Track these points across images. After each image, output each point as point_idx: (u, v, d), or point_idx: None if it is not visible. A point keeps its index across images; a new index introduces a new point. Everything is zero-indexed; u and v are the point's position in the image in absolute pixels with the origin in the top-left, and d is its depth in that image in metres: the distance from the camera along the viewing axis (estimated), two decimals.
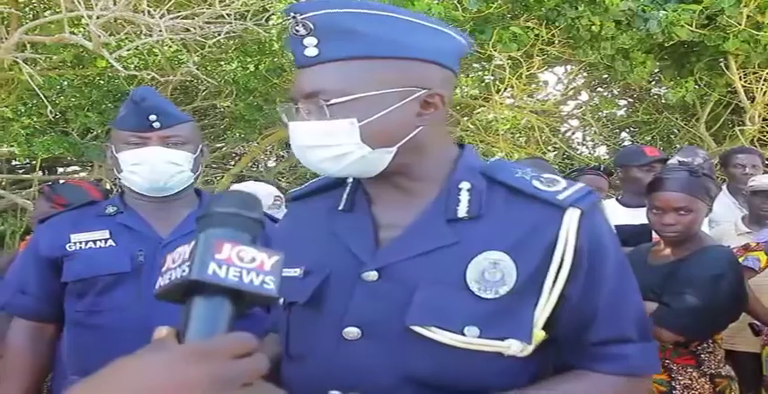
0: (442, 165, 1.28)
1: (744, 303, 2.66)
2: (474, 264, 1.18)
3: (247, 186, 4.27)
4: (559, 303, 1.18)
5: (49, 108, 5.27)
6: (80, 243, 2.08)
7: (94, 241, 2.08)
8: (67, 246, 2.07)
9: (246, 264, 0.83)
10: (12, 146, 6.98)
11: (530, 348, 1.16)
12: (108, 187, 7.58)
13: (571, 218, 1.19)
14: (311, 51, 1.17)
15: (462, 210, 1.22)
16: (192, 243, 0.84)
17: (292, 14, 1.18)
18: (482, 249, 1.19)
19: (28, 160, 9.09)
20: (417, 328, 1.15)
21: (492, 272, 1.17)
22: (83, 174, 9.28)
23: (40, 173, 8.88)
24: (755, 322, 3.11)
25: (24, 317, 2.16)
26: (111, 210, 2.16)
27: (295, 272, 1.30)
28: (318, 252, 1.30)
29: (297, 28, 1.17)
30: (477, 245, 1.19)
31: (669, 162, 2.82)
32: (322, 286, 1.25)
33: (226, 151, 9.51)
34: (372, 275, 1.21)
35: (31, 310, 2.15)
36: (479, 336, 1.14)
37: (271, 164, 10.26)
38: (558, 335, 1.22)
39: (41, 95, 4.92)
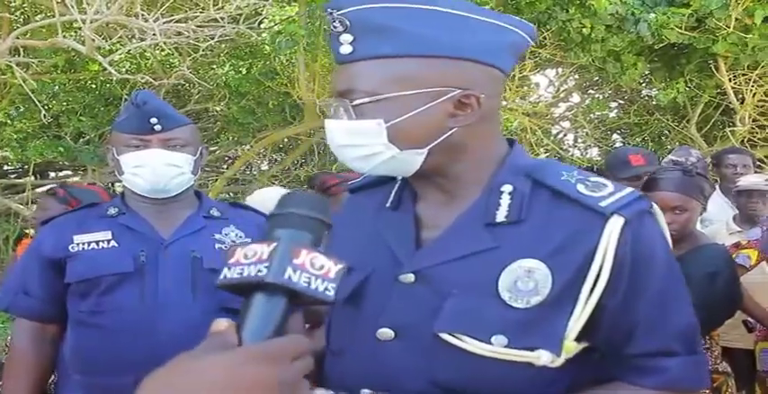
0: (484, 166, 1.24)
1: (739, 300, 2.69)
2: (507, 273, 1.14)
3: (271, 192, 4.27)
4: (597, 313, 1.13)
5: (42, 112, 5.27)
6: (83, 244, 2.09)
7: (97, 242, 2.09)
8: (70, 247, 2.09)
9: (316, 271, 0.87)
10: (5, 150, 6.98)
11: (560, 359, 1.12)
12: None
13: (613, 226, 1.13)
14: (346, 49, 1.16)
15: (501, 215, 1.18)
16: (273, 244, 0.87)
17: (329, 10, 1.16)
18: (518, 257, 1.15)
19: (20, 165, 9.07)
20: (444, 336, 1.13)
21: (525, 281, 1.13)
22: (75, 179, 9.26)
23: (33, 177, 8.86)
24: (749, 319, 3.15)
25: (27, 317, 2.17)
26: (112, 211, 2.17)
27: None
28: (362, 249, 1.28)
29: (334, 24, 1.16)
30: (514, 252, 1.16)
31: (663, 161, 2.85)
32: (362, 285, 1.24)
33: (219, 154, 9.50)
34: (409, 278, 1.19)
35: (35, 311, 2.16)
36: (507, 346, 1.11)
37: (264, 167, 10.26)
38: (597, 345, 1.18)
39: (34, 100, 4.92)
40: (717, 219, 3.89)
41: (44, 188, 8.65)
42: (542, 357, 1.11)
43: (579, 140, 9.98)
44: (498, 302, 1.13)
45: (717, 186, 4.20)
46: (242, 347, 0.82)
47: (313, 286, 0.86)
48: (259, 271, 0.85)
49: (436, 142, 1.18)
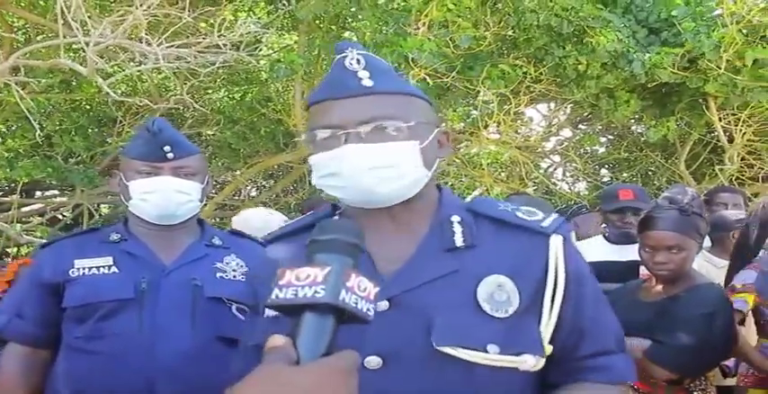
0: (432, 201, 1.39)
1: (735, 341, 2.69)
2: (483, 286, 1.26)
3: (250, 212, 4.26)
4: (558, 321, 1.29)
5: (37, 131, 5.26)
6: (84, 269, 2.09)
7: (98, 267, 2.10)
8: (71, 272, 2.09)
9: (361, 293, 0.96)
10: None
11: (542, 362, 1.25)
12: (87, 212, 7.53)
13: (557, 243, 1.32)
14: (368, 82, 1.30)
15: (459, 240, 1.32)
16: (327, 268, 0.95)
17: (350, 49, 1.32)
18: (486, 273, 1.28)
19: (6, 183, 9.01)
20: (446, 349, 1.20)
21: (499, 293, 1.26)
22: (62, 199, 9.22)
23: (19, 196, 8.79)
24: (726, 364, 3.06)
25: (20, 341, 2.16)
26: (114, 237, 2.18)
27: None
28: None
29: (351, 62, 1.31)
30: (480, 270, 1.28)
31: (659, 199, 2.87)
32: None
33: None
34: (383, 305, 1.25)
35: (27, 336, 2.14)
36: (500, 353, 1.21)
37: (253, 193, 10.24)
38: (555, 350, 1.29)
39: (30, 119, 4.91)
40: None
41: (30, 207, 8.65)
42: (528, 361, 1.23)
43: (567, 174, 10.06)
44: (483, 314, 1.25)
45: None
46: (323, 360, 0.92)
47: (359, 306, 0.95)
48: (316, 292, 0.93)
49: (434, 167, 1.36)
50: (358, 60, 1.30)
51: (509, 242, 1.33)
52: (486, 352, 1.21)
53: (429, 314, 1.24)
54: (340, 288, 0.93)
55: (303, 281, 0.94)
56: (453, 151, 1.46)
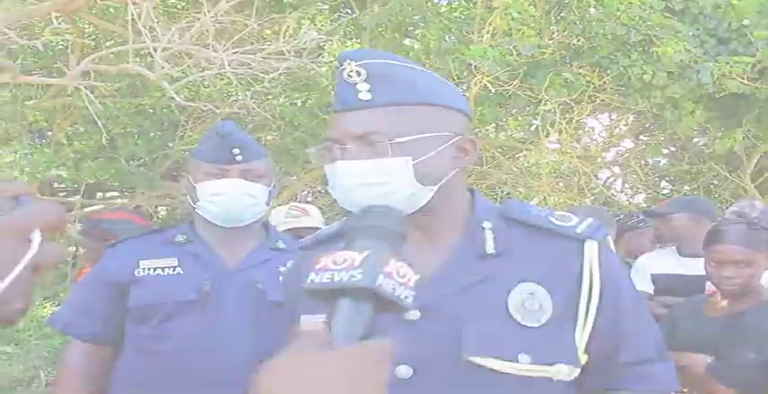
0: (462, 207, 1.38)
1: None
2: (513, 296, 1.26)
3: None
4: (593, 328, 1.27)
5: (104, 134, 5.39)
6: (149, 269, 2.12)
7: (163, 268, 2.12)
8: (136, 272, 2.12)
9: (400, 279, 0.91)
10: (60, 169, 7.10)
11: (577, 371, 1.25)
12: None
13: (591, 249, 1.31)
14: (365, 95, 1.27)
15: (490, 247, 1.31)
16: (365, 252, 0.91)
17: (348, 61, 1.27)
18: (517, 281, 1.27)
19: (69, 184, 9.24)
20: (477, 359, 1.20)
21: (531, 302, 1.25)
22: (123, 201, 9.41)
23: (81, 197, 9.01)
24: None
25: (83, 339, 2.19)
26: (180, 238, 2.20)
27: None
28: None
29: (350, 73, 1.27)
30: (512, 277, 1.28)
31: (726, 213, 2.80)
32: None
33: None
34: (414, 314, 1.25)
35: (90, 333, 2.18)
36: (531, 363, 1.20)
37: (309, 199, 10.31)
38: (590, 359, 1.29)
39: (98, 122, 5.04)
40: None
41: (91, 208, 8.84)
42: (561, 371, 1.22)
43: (626, 185, 9.88)
44: (514, 323, 1.24)
45: None
46: (357, 345, 0.86)
47: (397, 293, 0.90)
48: (352, 276, 0.89)
49: (443, 181, 1.31)
50: (358, 72, 1.27)
51: (542, 248, 1.32)
52: (518, 362, 1.20)
53: (460, 323, 1.24)
54: (378, 272, 0.89)
55: (340, 265, 0.90)
56: (476, 159, 1.47)
